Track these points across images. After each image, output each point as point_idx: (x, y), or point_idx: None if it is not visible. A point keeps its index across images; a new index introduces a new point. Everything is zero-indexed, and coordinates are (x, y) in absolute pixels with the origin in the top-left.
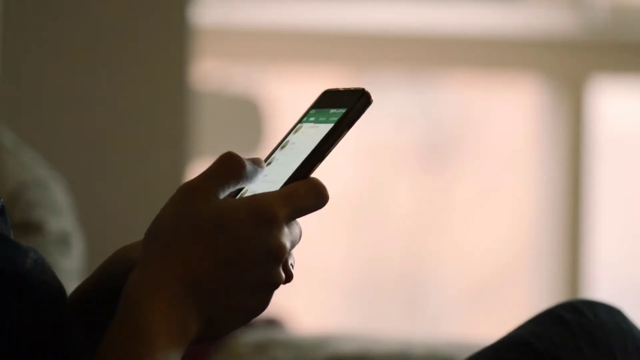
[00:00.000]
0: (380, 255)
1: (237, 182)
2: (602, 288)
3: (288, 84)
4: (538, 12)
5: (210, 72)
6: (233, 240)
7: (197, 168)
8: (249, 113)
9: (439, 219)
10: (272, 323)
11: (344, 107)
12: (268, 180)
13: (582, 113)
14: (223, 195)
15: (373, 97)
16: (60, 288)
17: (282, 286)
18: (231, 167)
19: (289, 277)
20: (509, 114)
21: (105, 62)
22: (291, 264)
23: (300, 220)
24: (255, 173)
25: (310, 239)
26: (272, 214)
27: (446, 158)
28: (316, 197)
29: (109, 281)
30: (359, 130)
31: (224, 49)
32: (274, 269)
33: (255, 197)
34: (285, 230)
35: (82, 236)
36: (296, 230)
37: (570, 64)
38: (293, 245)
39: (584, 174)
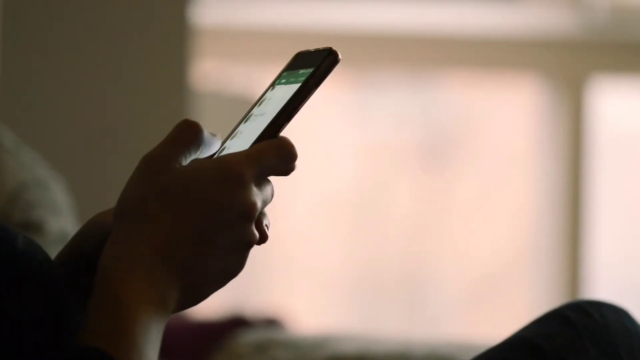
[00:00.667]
0: (380, 255)
1: (197, 148)
2: (602, 288)
3: None
4: (538, 12)
5: (210, 72)
6: (201, 204)
7: None
8: None
9: (439, 219)
10: (272, 323)
11: (312, 67)
12: (244, 138)
13: (582, 113)
14: (185, 162)
15: (340, 56)
16: (53, 266)
17: (281, 286)
18: (190, 133)
19: (263, 237)
20: (509, 114)
21: (105, 62)
22: (266, 225)
23: (299, 219)
24: (212, 139)
25: (311, 239)
26: (238, 173)
27: (446, 158)
28: (283, 156)
29: (85, 246)
30: (359, 130)
31: (224, 49)
32: (246, 228)
33: (220, 159)
34: (254, 189)
35: None
36: (267, 189)
37: (570, 64)
38: (265, 203)
39: (584, 174)
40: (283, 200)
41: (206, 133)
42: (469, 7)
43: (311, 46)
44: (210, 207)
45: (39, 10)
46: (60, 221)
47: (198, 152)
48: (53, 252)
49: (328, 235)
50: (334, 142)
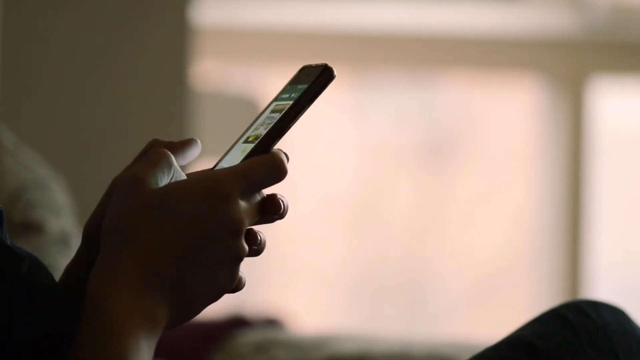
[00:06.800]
0: (380, 255)
1: (169, 168)
2: (602, 288)
3: None
4: (538, 12)
5: (210, 72)
6: (186, 221)
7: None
8: (248, 113)
9: (438, 219)
10: (272, 323)
11: (307, 83)
12: (237, 154)
13: (582, 113)
14: (161, 183)
15: (336, 72)
16: (57, 290)
17: (282, 286)
18: (156, 153)
19: (256, 251)
20: (509, 113)
21: (106, 62)
22: (259, 237)
23: (299, 219)
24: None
25: (311, 239)
26: (224, 189)
27: (446, 158)
28: (272, 171)
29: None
30: (359, 130)
31: (224, 49)
32: (234, 243)
33: (206, 175)
34: (241, 203)
35: None
36: (257, 202)
37: (570, 64)
38: (254, 217)
39: (584, 174)
40: None
41: (174, 161)
42: (469, 7)
43: (311, 46)
44: (195, 223)
45: (39, 10)
46: (60, 221)
47: (171, 175)
48: (53, 252)
49: (328, 235)
50: (334, 142)
